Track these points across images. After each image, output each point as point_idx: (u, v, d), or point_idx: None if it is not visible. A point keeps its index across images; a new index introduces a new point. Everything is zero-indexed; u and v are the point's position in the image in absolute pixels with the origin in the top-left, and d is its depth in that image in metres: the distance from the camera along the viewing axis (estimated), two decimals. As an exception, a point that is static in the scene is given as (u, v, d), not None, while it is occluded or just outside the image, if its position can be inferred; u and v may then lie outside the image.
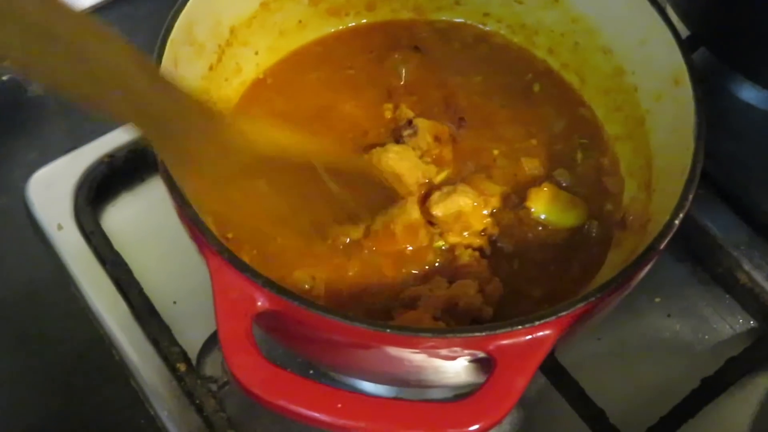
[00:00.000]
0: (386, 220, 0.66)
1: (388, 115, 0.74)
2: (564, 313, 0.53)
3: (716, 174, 0.80)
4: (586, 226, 0.68)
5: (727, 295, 0.78)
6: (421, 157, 0.70)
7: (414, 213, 0.67)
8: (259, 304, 0.53)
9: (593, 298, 0.54)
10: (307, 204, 0.63)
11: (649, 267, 0.57)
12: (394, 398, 0.62)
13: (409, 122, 0.72)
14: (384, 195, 0.66)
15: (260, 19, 0.73)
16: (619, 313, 0.65)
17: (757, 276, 0.77)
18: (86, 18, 0.47)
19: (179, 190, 0.56)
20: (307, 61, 0.78)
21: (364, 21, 0.80)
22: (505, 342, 0.52)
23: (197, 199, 0.57)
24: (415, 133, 0.71)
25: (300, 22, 0.77)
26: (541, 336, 0.53)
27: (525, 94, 0.76)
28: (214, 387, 0.71)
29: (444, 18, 0.80)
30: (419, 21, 0.80)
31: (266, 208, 0.62)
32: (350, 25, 0.80)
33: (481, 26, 0.80)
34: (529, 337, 0.53)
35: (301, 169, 0.60)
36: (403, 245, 0.66)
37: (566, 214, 0.68)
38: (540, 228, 0.68)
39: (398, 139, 0.72)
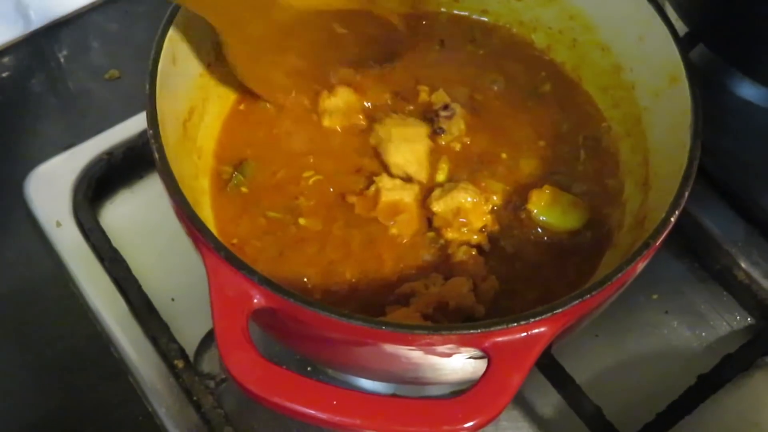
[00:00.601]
0: (380, 188, 0.67)
1: (424, 96, 0.74)
2: (560, 310, 0.53)
3: (714, 171, 0.80)
4: (585, 231, 0.68)
5: (725, 292, 0.78)
6: (448, 142, 0.72)
7: (405, 196, 0.67)
8: (255, 301, 0.53)
9: (589, 295, 0.54)
10: (321, 51, 0.72)
11: (645, 263, 0.57)
12: (390, 395, 0.63)
13: (446, 106, 0.73)
14: (393, 42, 0.75)
15: None
16: (616, 310, 0.65)
17: (755, 273, 0.77)
18: None
19: (177, 186, 0.57)
20: None
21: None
22: (500, 339, 0.52)
23: (239, 64, 0.68)
24: (451, 117, 0.72)
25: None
26: (537, 333, 0.53)
27: (535, 93, 0.76)
28: (211, 384, 0.71)
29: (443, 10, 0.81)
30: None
31: (287, 64, 0.71)
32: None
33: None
34: (525, 334, 0.53)
35: (319, 24, 0.70)
36: (385, 219, 0.67)
37: (566, 217, 0.68)
38: (539, 230, 0.68)
39: (432, 119, 0.73)
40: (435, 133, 0.72)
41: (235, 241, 0.66)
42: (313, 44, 0.72)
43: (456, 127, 0.72)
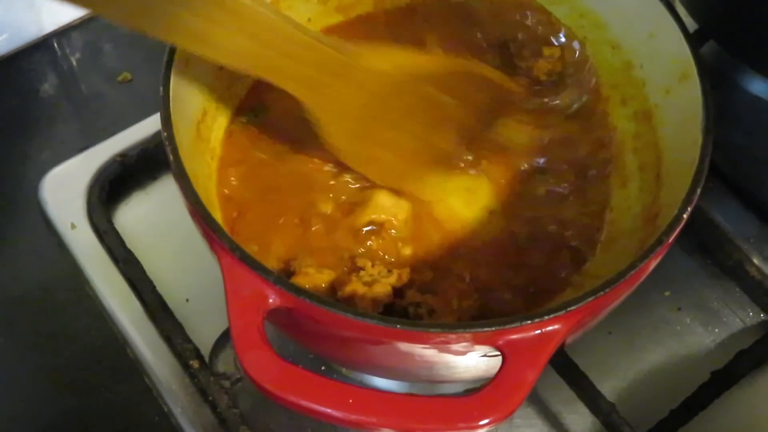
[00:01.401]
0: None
1: None
2: (573, 307, 0.53)
3: (726, 167, 0.80)
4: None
5: (737, 288, 0.78)
6: None
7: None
8: (271, 300, 0.53)
9: (603, 293, 0.54)
10: (429, 128, 0.66)
11: (658, 260, 0.57)
12: (405, 393, 0.63)
13: None
14: (494, 96, 0.69)
15: None
16: (629, 306, 0.65)
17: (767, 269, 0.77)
18: None
19: (191, 187, 0.57)
20: None
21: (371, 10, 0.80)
22: (514, 336, 0.53)
23: (338, 142, 0.63)
24: None
25: (309, 20, 0.77)
26: (551, 330, 0.53)
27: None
28: (227, 384, 0.71)
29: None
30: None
31: (396, 144, 0.67)
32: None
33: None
34: (539, 331, 0.53)
35: (419, 94, 0.64)
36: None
37: None
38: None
39: None
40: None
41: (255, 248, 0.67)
42: (416, 116, 0.66)
43: None
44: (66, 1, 0.47)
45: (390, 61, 0.62)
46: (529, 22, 0.77)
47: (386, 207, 0.66)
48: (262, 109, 0.71)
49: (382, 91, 0.62)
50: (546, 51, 0.75)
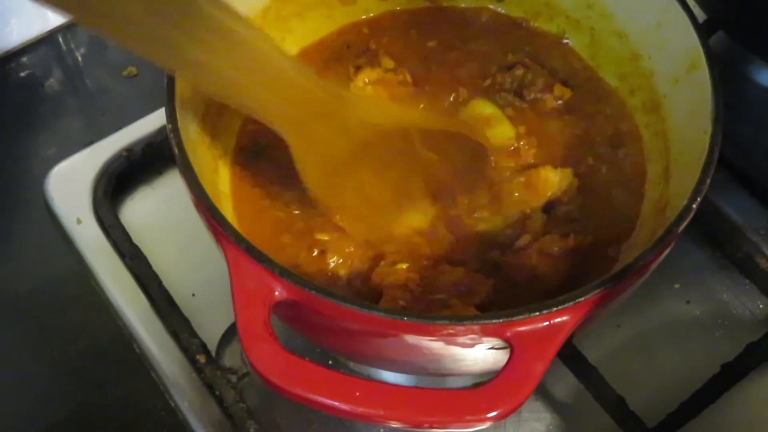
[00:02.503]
0: None
1: None
2: (582, 299, 0.53)
3: (735, 159, 0.80)
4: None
5: (747, 280, 0.78)
6: None
7: None
8: (277, 293, 0.53)
9: (611, 284, 0.54)
10: (404, 179, 0.65)
11: (667, 251, 0.57)
12: (413, 386, 0.62)
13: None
14: (473, 155, 0.68)
15: (275, 10, 0.73)
16: (638, 299, 0.65)
17: (777, 261, 0.76)
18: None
19: (197, 180, 0.57)
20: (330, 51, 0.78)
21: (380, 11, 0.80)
22: (522, 328, 0.52)
23: (316, 186, 0.61)
24: None
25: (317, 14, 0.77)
26: (559, 322, 0.53)
27: None
28: (233, 378, 0.71)
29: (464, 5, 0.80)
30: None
31: (369, 190, 0.65)
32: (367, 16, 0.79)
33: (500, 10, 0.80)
34: (547, 323, 0.53)
35: (399, 145, 0.63)
36: None
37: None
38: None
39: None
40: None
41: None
42: (394, 167, 0.65)
43: None
44: (83, 24, 0.48)
45: (379, 110, 0.62)
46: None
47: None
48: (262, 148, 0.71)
49: (366, 139, 0.61)
50: (557, 90, 0.74)
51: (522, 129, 0.72)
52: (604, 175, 0.70)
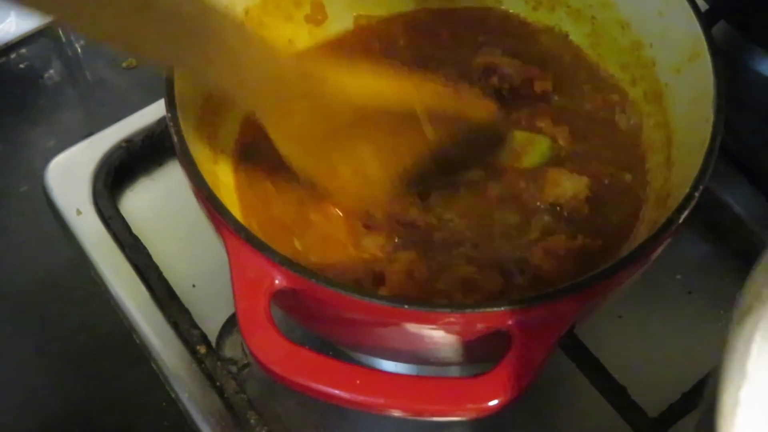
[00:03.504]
0: None
1: None
2: (584, 288, 0.53)
3: (737, 149, 0.79)
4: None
5: (749, 271, 0.77)
6: None
7: None
8: (277, 282, 0.53)
9: (613, 273, 0.53)
10: (402, 159, 0.63)
11: (668, 241, 0.57)
12: (414, 375, 0.62)
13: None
14: (484, 138, 0.66)
15: (275, 1, 0.73)
16: (639, 290, 0.64)
17: (780, 252, 0.76)
18: None
19: (197, 170, 0.57)
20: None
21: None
22: (523, 317, 0.52)
23: (299, 162, 0.59)
24: None
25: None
26: (561, 311, 0.53)
27: None
28: (234, 369, 0.71)
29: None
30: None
31: (366, 170, 0.63)
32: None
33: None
34: (548, 312, 0.53)
35: (399, 121, 0.61)
36: None
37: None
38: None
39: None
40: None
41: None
42: (388, 138, 0.62)
43: None
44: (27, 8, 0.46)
45: (361, 82, 0.59)
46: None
47: None
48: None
49: (359, 116, 0.59)
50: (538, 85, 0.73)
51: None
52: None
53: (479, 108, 0.66)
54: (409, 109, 0.60)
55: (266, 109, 0.57)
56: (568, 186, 0.66)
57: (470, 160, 0.67)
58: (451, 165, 0.66)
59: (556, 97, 0.73)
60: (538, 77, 0.73)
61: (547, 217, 0.67)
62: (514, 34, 0.78)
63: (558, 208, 0.67)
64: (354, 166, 0.63)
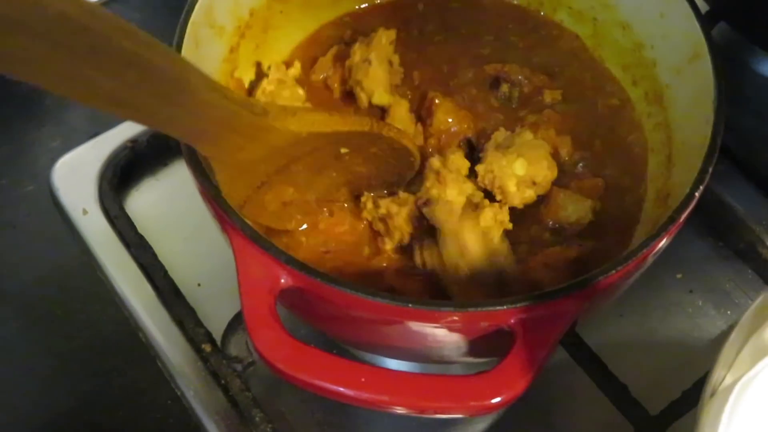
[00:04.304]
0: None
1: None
2: (585, 287, 0.53)
3: (738, 149, 0.80)
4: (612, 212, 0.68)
5: (750, 270, 0.78)
6: None
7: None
8: (283, 281, 0.53)
9: (614, 271, 0.54)
10: (322, 174, 0.64)
11: (669, 239, 0.57)
12: (417, 373, 0.63)
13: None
14: (404, 164, 0.67)
15: (280, 1, 0.74)
16: (641, 289, 0.65)
17: (780, 250, 0.77)
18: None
19: (203, 170, 0.57)
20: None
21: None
22: (525, 316, 0.53)
23: (230, 192, 0.58)
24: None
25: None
26: (562, 310, 0.54)
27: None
28: (239, 367, 0.71)
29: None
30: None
31: (285, 190, 0.63)
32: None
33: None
34: (550, 311, 0.53)
35: (319, 145, 0.61)
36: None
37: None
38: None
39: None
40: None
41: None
42: (312, 167, 0.63)
43: None
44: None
45: (301, 120, 0.59)
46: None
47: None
48: None
49: (284, 146, 0.59)
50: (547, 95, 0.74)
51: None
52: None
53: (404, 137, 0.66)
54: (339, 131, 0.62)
55: (220, 151, 0.56)
56: (572, 210, 0.66)
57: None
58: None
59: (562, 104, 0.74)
60: (548, 86, 0.74)
61: (547, 234, 0.67)
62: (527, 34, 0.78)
63: (559, 226, 0.67)
64: (281, 201, 0.64)
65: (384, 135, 0.64)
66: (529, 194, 0.66)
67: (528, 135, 0.67)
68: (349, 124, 0.63)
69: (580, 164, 0.70)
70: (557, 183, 0.67)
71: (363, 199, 0.67)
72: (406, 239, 0.65)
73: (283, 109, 0.60)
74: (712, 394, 0.51)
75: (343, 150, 0.63)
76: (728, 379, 0.51)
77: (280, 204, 0.64)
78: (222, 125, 0.54)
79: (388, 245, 0.65)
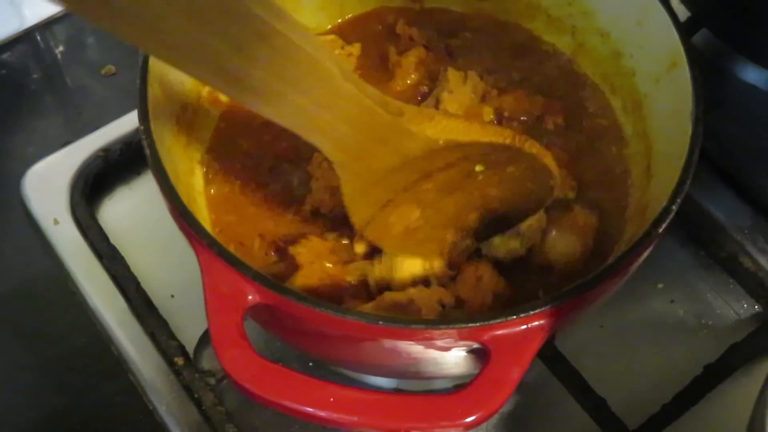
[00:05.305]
0: None
1: None
2: (559, 303, 0.52)
3: (719, 157, 0.79)
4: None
5: (731, 280, 0.77)
6: None
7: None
8: (250, 298, 0.52)
9: (589, 288, 0.53)
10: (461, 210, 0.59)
11: (646, 253, 0.56)
12: (389, 391, 0.62)
13: None
14: (543, 188, 0.61)
15: None
16: (621, 299, 0.64)
17: (762, 260, 0.76)
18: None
19: (169, 183, 0.56)
20: None
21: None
22: (499, 332, 0.52)
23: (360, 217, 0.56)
24: None
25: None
26: (537, 326, 0.52)
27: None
28: (212, 381, 0.70)
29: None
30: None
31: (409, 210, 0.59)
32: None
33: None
34: (524, 327, 0.52)
35: (457, 172, 0.57)
36: None
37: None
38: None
39: None
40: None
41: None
42: (443, 187, 0.57)
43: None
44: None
45: (438, 125, 0.55)
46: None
47: None
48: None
49: (418, 158, 0.55)
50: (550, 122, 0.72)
51: None
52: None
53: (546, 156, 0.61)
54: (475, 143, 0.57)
55: (349, 156, 0.53)
56: (561, 249, 0.64)
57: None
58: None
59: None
60: (550, 112, 0.72)
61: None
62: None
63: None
64: (405, 225, 0.59)
65: (525, 151, 0.58)
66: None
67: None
68: (489, 134, 0.58)
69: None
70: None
71: None
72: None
73: (420, 111, 0.56)
74: None
75: (478, 168, 0.58)
76: None
77: (403, 228, 0.59)
78: (354, 123, 0.50)
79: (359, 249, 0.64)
